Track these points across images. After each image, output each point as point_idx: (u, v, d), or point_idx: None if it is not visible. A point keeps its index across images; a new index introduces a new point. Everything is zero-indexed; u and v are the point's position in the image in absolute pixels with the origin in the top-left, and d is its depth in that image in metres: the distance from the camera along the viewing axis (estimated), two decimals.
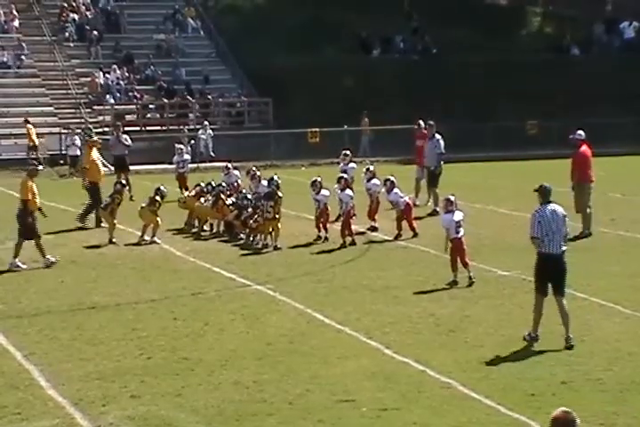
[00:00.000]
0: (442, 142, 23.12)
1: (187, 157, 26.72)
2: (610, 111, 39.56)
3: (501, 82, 41.43)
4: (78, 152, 32.66)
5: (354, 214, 19.19)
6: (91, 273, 16.77)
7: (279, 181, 19.69)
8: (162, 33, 43.27)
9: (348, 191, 19.10)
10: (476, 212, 21.82)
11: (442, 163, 23.19)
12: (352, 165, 22.24)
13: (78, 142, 33.36)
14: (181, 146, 27.65)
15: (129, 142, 27.54)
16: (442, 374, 10.90)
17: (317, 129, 37.13)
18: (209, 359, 11.60)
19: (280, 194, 19.01)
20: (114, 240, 19.42)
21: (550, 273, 12.12)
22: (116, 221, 19.71)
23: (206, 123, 37.11)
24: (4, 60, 39.95)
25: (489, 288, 15.07)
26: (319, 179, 19.19)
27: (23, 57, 40.23)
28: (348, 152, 22.88)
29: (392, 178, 19.58)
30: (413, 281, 15.68)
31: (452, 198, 15.53)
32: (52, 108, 38.62)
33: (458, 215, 15.48)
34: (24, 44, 40.60)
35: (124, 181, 20.98)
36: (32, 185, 17.74)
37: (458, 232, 15.41)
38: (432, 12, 44.72)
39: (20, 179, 18.33)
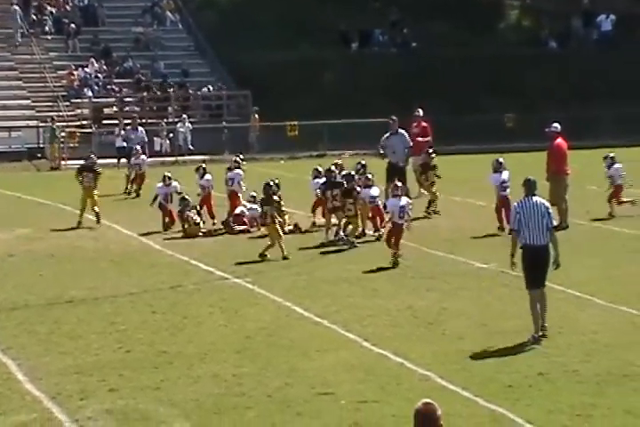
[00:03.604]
0: (407, 136, 22.93)
1: (143, 157, 25.96)
2: (588, 104, 39.69)
3: (480, 75, 41.47)
4: (124, 143, 30.52)
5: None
6: (69, 267, 16.72)
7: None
8: (140, 26, 43.02)
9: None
10: (456, 204, 21.91)
11: (409, 158, 23.00)
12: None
13: (123, 133, 31.53)
14: (137, 147, 26.83)
15: (144, 135, 28.45)
16: (420, 366, 10.94)
17: (296, 122, 37.07)
18: (188, 353, 11.60)
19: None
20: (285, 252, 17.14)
21: (535, 264, 12.13)
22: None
23: (185, 116, 37.02)
24: None
25: (467, 281, 15.13)
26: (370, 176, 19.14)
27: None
28: (501, 159, 20.41)
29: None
30: (391, 274, 15.72)
31: (399, 184, 17.00)
32: (29, 102, 38.39)
33: (403, 201, 16.52)
34: (1, 37, 40.35)
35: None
36: None
37: (401, 217, 16.34)
38: (410, 5, 44.69)
39: None
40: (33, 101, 38.37)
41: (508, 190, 19.15)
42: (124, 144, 30.71)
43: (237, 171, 20.99)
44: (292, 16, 43.16)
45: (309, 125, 36.44)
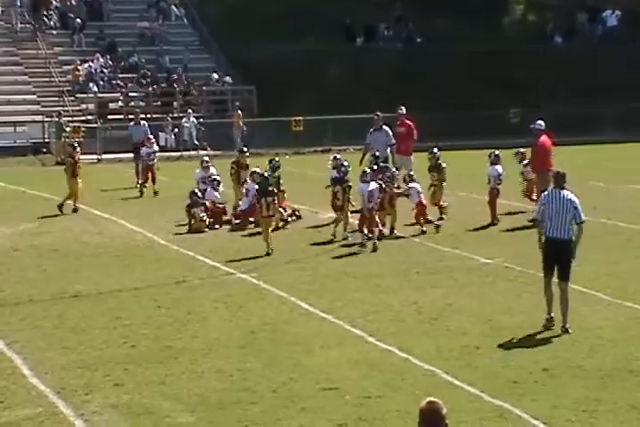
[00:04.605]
0: (391, 133, 22.77)
1: (156, 148, 25.80)
2: (592, 99, 39.65)
3: (484, 70, 41.43)
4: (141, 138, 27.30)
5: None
6: (73, 262, 16.72)
7: (349, 168, 18.99)
8: (145, 21, 43.09)
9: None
10: (460, 200, 21.88)
11: (391, 153, 22.59)
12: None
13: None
14: (151, 135, 26.59)
15: (147, 129, 27.62)
16: (425, 361, 10.94)
17: (301, 118, 37.05)
18: (192, 348, 11.61)
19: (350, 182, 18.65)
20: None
21: (554, 257, 12.22)
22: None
23: (190, 111, 37.03)
24: None
25: (471, 276, 15.12)
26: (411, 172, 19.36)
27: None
28: (497, 152, 20.54)
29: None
30: (396, 269, 15.71)
31: (368, 171, 17.93)
32: (34, 97, 38.44)
33: (371, 186, 17.45)
34: (6, 32, 40.40)
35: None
36: None
37: (370, 202, 17.32)
38: (415, 0, 44.64)
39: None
40: (38, 96, 38.43)
41: (500, 185, 19.69)
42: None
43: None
44: (297, 10, 43.12)
45: (314, 120, 36.41)
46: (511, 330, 12.13)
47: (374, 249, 17.05)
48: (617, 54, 43.37)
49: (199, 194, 19.98)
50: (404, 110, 23.86)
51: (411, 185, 19.14)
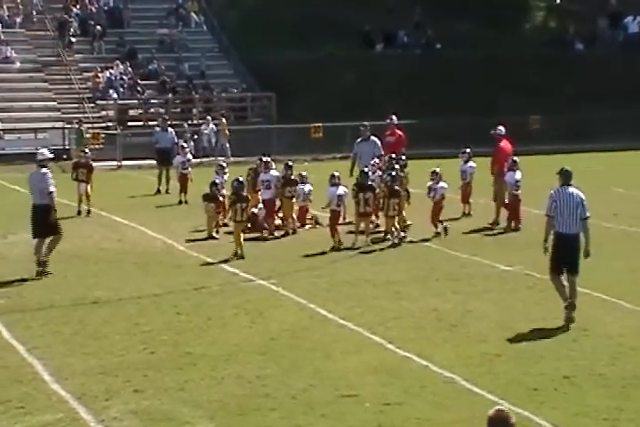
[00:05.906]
0: (379, 143, 22.66)
1: (189, 156, 25.49)
2: (612, 106, 39.47)
3: (504, 76, 41.35)
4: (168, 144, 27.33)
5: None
6: (93, 268, 16.77)
7: (374, 174, 19.03)
8: (165, 28, 43.24)
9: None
10: (479, 206, 21.81)
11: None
12: (471, 164, 21.77)
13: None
14: (183, 144, 26.66)
15: (174, 136, 27.67)
16: (444, 368, 10.91)
17: (320, 124, 37.05)
18: (212, 354, 11.62)
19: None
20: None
21: (564, 252, 12.62)
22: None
23: (209, 118, 37.08)
24: (8, 55, 39.92)
25: (491, 283, 15.08)
26: (437, 169, 19.52)
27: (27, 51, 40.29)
28: (468, 150, 21.93)
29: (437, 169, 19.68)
30: (415, 276, 15.69)
31: (337, 174, 18.51)
32: (55, 103, 38.64)
33: (340, 190, 18.16)
34: (27, 39, 40.63)
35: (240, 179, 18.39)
36: None
37: (339, 205, 18.17)
38: (435, 5, 44.62)
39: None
40: (59, 103, 38.62)
41: (519, 190, 19.68)
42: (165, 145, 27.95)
43: (274, 172, 20.49)
44: (315, 16, 43.18)
45: (332, 127, 36.39)
46: (531, 337, 12.10)
47: (334, 248, 17.68)
48: (638, 60, 43.18)
49: (219, 191, 20.12)
50: (394, 119, 23.66)
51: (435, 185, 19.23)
